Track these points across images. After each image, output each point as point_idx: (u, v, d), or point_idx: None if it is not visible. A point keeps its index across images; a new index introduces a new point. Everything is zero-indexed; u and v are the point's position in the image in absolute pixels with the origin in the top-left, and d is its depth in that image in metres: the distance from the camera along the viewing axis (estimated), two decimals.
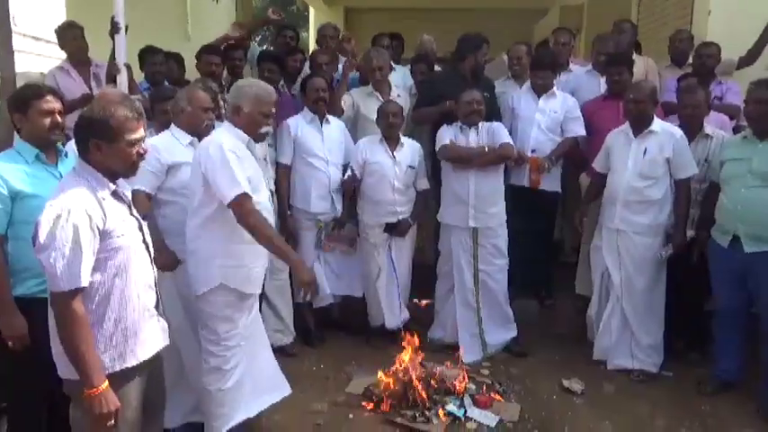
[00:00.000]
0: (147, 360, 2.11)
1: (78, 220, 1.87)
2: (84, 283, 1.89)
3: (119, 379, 2.02)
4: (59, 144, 2.56)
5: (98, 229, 1.91)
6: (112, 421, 1.94)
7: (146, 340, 2.09)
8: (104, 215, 1.94)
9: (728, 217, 3.30)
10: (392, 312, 4.03)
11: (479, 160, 3.75)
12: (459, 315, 3.90)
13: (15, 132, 2.53)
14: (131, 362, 2.05)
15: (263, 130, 2.72)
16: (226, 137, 2.63)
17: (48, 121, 2.44)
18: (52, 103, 2.47)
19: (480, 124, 3.84)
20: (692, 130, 3.69)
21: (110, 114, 1.96)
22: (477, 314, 3.89)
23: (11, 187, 2.34)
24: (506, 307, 3.97)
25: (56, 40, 4.33)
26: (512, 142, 3.87)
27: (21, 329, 2.32)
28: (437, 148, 3.90)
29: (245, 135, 2.68)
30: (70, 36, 4.24)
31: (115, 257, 1.97)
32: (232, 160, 2.53)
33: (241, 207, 2.52)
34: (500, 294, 3.92)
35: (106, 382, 1.92)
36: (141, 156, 2.07)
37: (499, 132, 3.84)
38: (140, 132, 2.05)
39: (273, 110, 2.74)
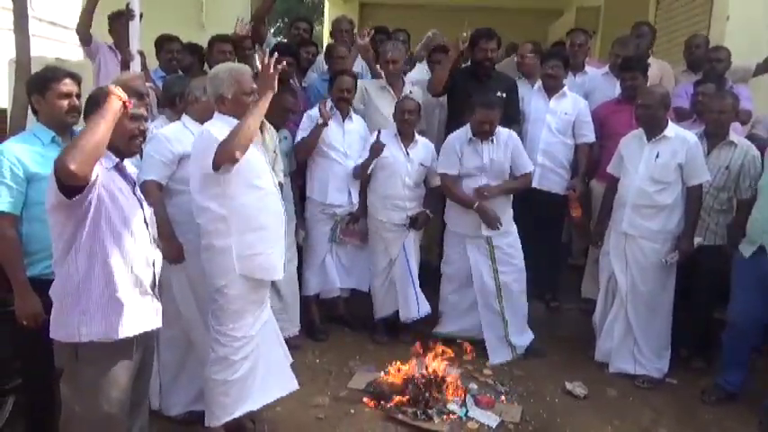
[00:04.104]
0: (138, 337, 2.12)
1: None
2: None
3: (109, 352, 2.04)
4: (75, 128, 2.56)
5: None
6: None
7: (136, 315, 2.10)
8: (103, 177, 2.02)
9: (757, 227, 3.24)
10: (407, 305, 4.00)
11: (479, 205, 3.71)
12: (483, 319, 3.90)
13: (33, 115, 2.56)
14: (121, 334, 2.05)
15: None
16: (218, 126, 2.59)
17: (65, 103, 2.45)
18: (70, 86, 2.47)
19: (498, 134, 3.76)
20: (717, 135, 3.62)
21: (103, 92, 2.04)
22: (503, 317, 3.88)
23: (26, 169, 2.36)
24: (525, 308, 3.97)
25: (71, 26, 4.37)
26: (531, 170, 3.86)
27: (34, 308, 2.33)
28: (439, 170, 3.87)
29: (236, 120, 2.60)
30: (118, 24, 4.32)
31: (107, 221, 2.01)
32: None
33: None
34: (522, 295, 3.92)
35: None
36: (140, 133, 2.13)
37: (519, 156, 3.79)
38: (135, 110, 2.11)
39: (254, 85, 2.66)
